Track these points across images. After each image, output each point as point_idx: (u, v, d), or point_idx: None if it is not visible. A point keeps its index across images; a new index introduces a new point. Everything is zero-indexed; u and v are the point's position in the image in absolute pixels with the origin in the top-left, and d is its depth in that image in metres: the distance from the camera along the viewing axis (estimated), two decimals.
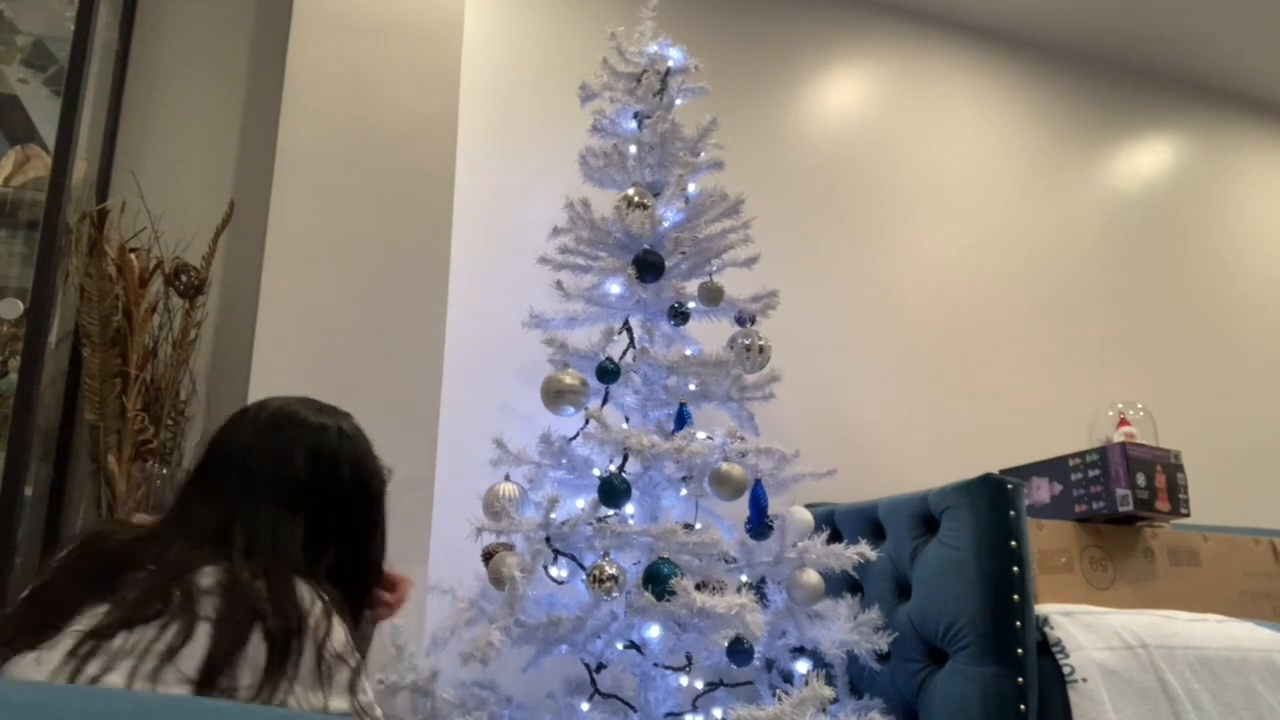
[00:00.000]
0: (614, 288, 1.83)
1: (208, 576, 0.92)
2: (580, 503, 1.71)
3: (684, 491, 1.73)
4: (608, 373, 1.74)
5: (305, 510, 1.05)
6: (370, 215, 2.05)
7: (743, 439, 1.69)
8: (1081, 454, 2.05)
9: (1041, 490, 2.13)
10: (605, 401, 1.78)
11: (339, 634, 0.94)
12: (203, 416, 2.00)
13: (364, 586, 1.14)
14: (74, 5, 1.88)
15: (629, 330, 1.86)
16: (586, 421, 1.68)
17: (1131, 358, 3.02)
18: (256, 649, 0.86)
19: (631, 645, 1.63)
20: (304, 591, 0.94)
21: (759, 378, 1.85)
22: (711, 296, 1.87)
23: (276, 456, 1.06)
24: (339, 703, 0.90)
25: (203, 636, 0.85)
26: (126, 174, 2.08)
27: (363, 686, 0.94)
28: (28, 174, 1.91)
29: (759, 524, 1.67)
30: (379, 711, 0.97)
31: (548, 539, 1.56)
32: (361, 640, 1.11)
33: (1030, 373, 2.87)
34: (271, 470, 1.05)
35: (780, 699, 1.48)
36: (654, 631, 1.61)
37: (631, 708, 1.65)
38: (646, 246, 1.82)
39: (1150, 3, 2.93)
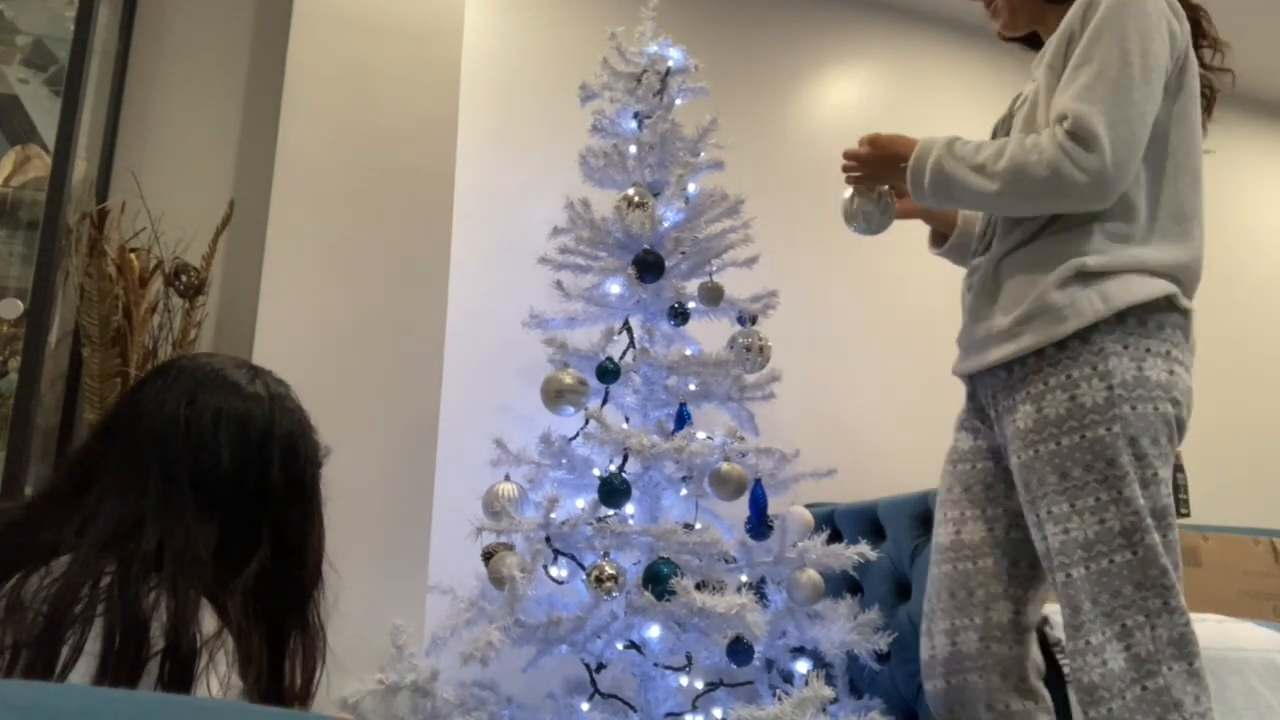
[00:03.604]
0: (614, 288, 1.83)
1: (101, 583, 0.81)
2: (580, 503, 1.71)
3: (684, 491, 1.73)
4: (608, 373, 1.74)
5: (225, 510, 0.91)
6: (370, 215, 2.05)
7: (743, 439, 1.69)
8: None
9: None
10: (605, 401, 1.78)
11: (213, 683, 0.80)
12: None
13: (301, 594, 0.97)
14: (74, 5, 1.88)
15: (629, 330, 1.85)
16: (586, 421, 1.68)
17: None
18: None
19: (631, 645, 1.63)
20: (207, 618, 0.82)
21: (759, 378, 1.85)
22: (711, 296, 1.87)
23: (198, 439, 0.92)
24: None
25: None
26: (126, 174, 2.08)
27: None
28: (28, 174, 1.91)
29: (759, 524, 1.67)
30: None
31: (548, 539, 1.56)
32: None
33: None
34: (193, 457, 0.91)
35: (780, 699, 1.48)
36: (654, 631, 1.61)
37: (631, 708, 1.65)
38: (646, 246, 1.82)
39: None
